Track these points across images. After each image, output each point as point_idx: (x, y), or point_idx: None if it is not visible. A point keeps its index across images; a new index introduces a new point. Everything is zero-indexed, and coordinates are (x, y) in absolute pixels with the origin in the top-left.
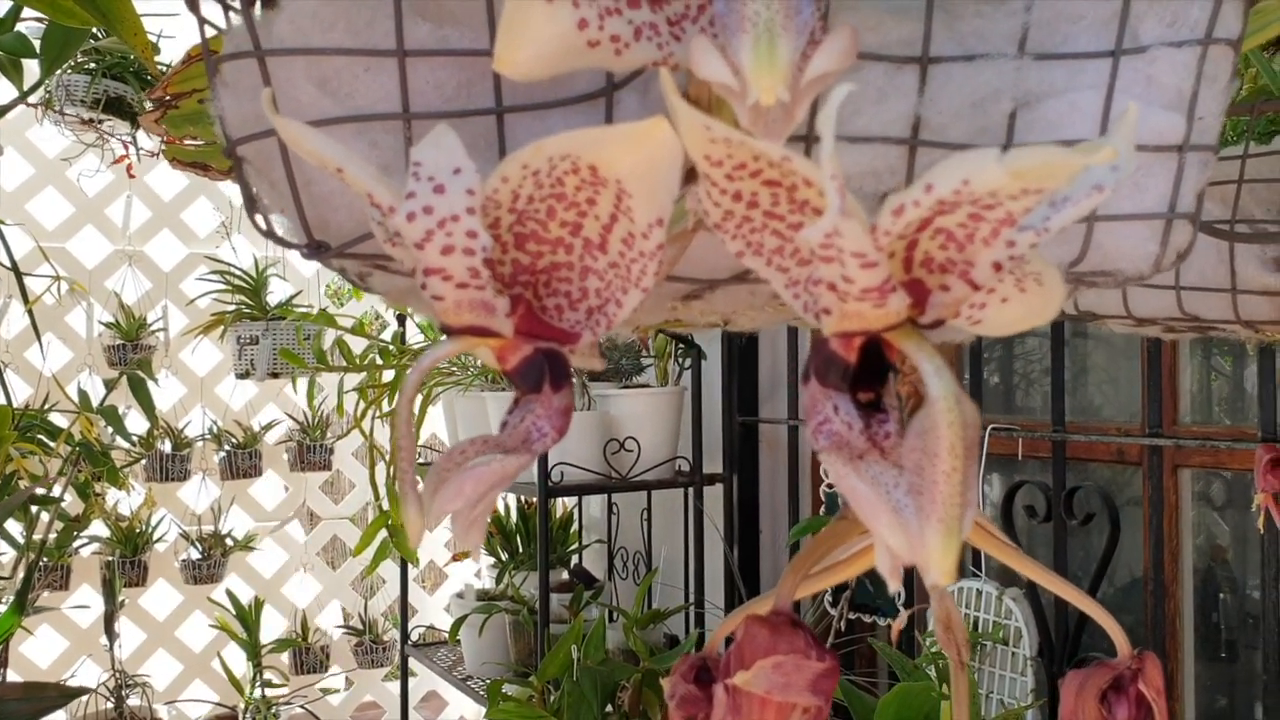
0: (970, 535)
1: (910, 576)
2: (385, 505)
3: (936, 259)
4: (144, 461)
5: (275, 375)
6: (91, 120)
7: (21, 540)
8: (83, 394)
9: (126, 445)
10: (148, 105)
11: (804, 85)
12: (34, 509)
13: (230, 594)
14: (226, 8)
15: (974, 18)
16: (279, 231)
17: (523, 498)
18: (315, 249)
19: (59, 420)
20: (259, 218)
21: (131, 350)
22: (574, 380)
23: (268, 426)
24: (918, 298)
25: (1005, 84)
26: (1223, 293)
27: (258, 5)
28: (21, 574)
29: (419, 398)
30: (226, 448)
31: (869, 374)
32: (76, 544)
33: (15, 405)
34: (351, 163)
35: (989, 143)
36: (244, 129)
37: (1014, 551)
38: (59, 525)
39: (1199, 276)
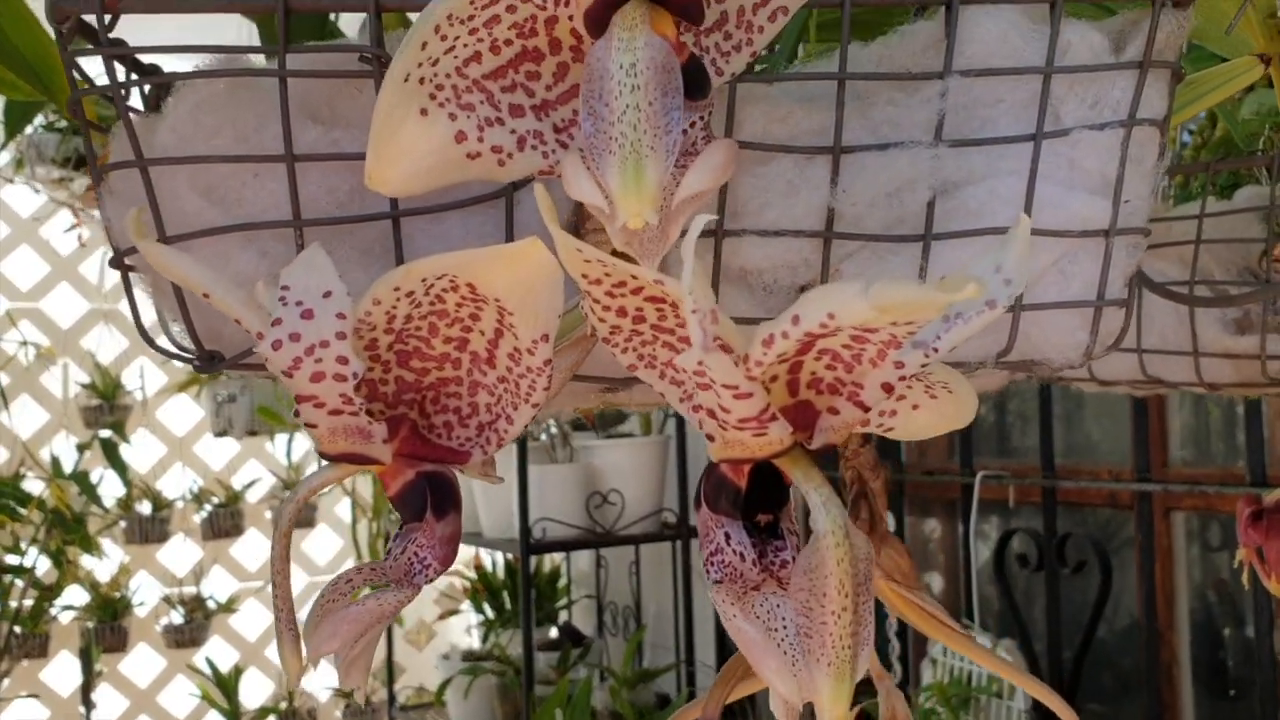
0: (922, 625)
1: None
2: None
3: (825, 379)
4: (122, 524)
5: (254, 433)
6: (62, 179)
7: None
8: (55, 460)
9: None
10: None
11: (676, 206)
12: (6, 578)
13: (209, 661)
14: (118, 112)
15: (887, 105)
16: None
17: (508, 554)
18: (207, 360)
19: (35, 485)
20: (177, 332)
21: (109, 411)
22: (461, 507)
23: (249, 485)
24: (805, 421)
25: (921, 172)
26: (1184, 356)
27: (149, 102)
28: None
29: None
30: (207, 507)
31: (767, 495)
32: (55, 610)
33: None
34: (218, 286)
35: (907, 232)
36: (124, 241)
37: (965, 639)
38: (33, 593)
39: (1160, 339)
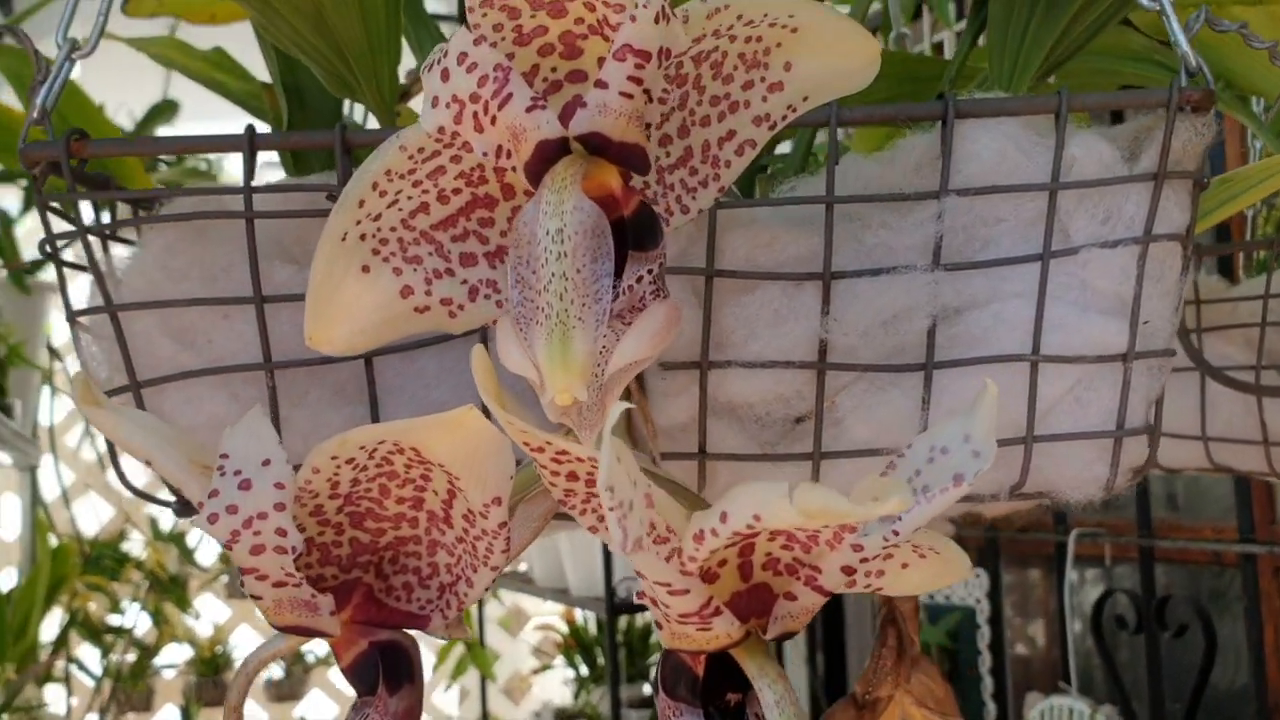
0: None
1: None
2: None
3: (781, 560)
4: (224, 579)
5: None
6: None
7: (100, 669)
8: (153, 521)
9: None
10: None
11: (612, 376)
12: (108, 637)
13: (308, 716)
14: (87, 257)
15: (880, 229)
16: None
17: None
18: (183, 506)
19: (137, 544)
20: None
21: None
22: (421, 678)
23: None
24: (760, 607)
25: (919, 299)
26: (1254, 445)
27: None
28: (100, 703)
29: None
30: None
31: (731, 676)
32: (157, 666)
33: (89, 533)
34: (158, 452)
35: (906, 362)
36: (112, 379)
37: None
38: (134, 650)
39: (1226, 426)
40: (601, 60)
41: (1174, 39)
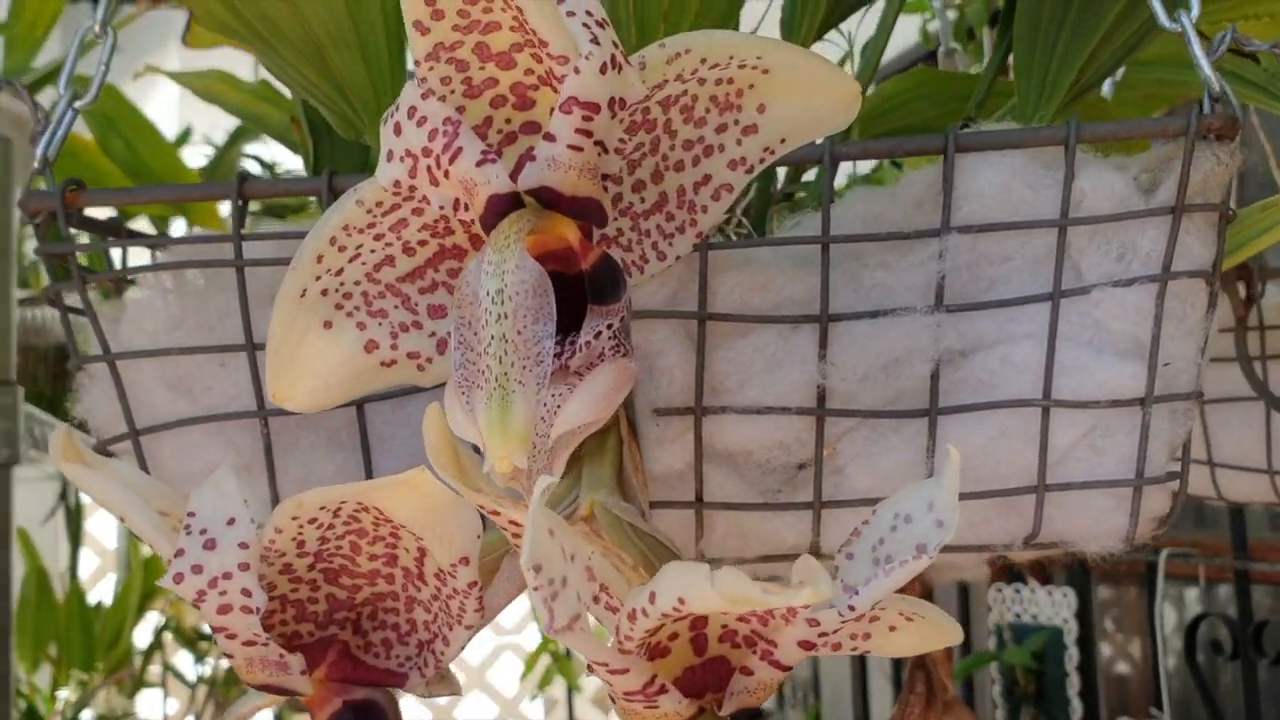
0: None
1: None
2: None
3: (739, 632)
4: None
5: None
6: None
7: (195, 675)
8: None
9: None
10: None
11: (558, 440)
12: (203, 644)
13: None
14: (83, 305)
15: (878, 269)
16: None
17: None
18: None
19: None
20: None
21: None
22: None
23: None
24: (716, 681)
25: (920, 342)
26: None
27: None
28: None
29: None
30: None
31: None
32: None
33: None
34: (134, 511)
35: (909, 406)
36: (111, 427)
37: None
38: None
39: None
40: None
41: (1196, 62)
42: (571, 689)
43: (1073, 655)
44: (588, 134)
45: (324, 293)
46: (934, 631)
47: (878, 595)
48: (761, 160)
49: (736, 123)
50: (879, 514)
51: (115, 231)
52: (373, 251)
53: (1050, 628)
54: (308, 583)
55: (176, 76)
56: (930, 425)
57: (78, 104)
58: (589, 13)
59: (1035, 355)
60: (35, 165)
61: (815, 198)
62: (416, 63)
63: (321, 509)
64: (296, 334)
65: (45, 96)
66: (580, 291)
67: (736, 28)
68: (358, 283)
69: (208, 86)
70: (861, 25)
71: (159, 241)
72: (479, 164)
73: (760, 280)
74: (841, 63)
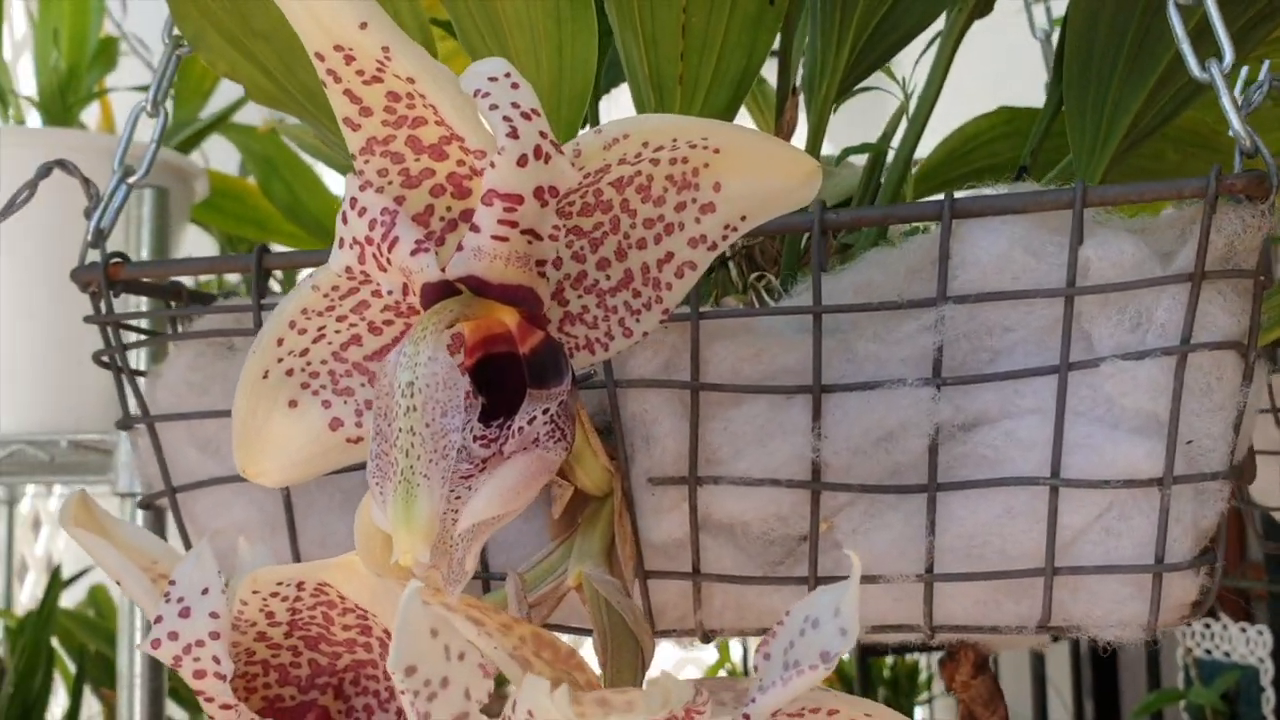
0: None
1: None
2: None
3: None
4: None
5: None
6: None
7: None
8: None
9: None
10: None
11: (463, 535)
12: None
13: None
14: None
15: (871, 341)
16: None
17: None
18: None
19: None
20: None
21: None
22: None
23: None
24: None
25: (911, 415)
26: None
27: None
28: None
29: None
30: None
31: None
32: None
33: None
34: (128, 576)
35: (906, 482)
36: (156, 484)
37: None
38: None
39: None
40: None
41: (1226, 114)
42: None
43: (1269, 698)
44: (512, 224)
45: (289, 373)
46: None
47: (776, 702)
48: (724, 237)
49: (694, 201)
50: (793, 615)
51: (178, 295)
52: (337, 332)
53: (1244, 666)
54: (288, 648)
55: (286, 130)
56: (930, 502)
57: (130, 180)
58: (515, 104)
59: (1043, 431)
60: (89, 238)
61: (864, 245)
62: (353, 156)
63: (280, 584)
64: (261, 414)
65: (211, 144)
66: (518, 375)
67: (750, 86)
68: (324, 361)
69: (299, 137)
70: (916, 70)
71: (185, 312)
72: (413, 253)
73: (753, 349)
74: (898, 115)
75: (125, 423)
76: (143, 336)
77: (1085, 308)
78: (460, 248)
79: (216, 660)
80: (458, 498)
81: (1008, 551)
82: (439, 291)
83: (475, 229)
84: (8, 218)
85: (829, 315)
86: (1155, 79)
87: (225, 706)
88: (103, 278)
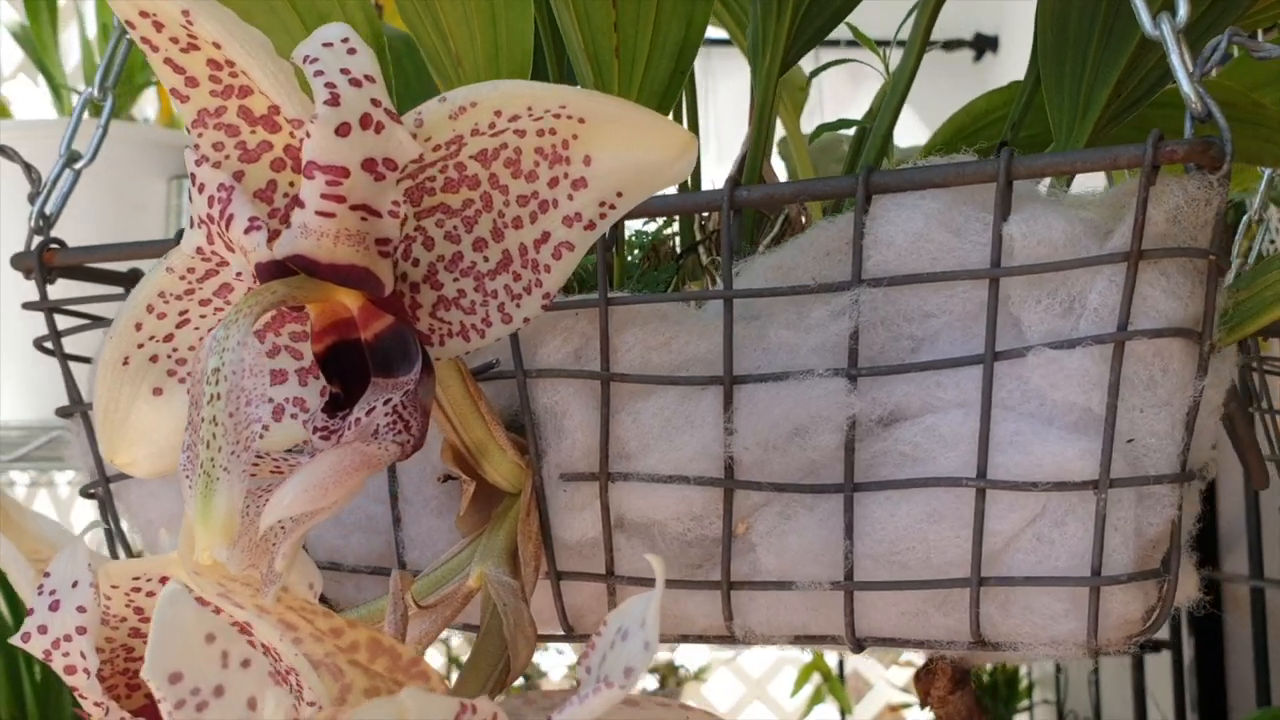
0: None
1: None
2: None
3: None
4: None
5: None
6: None
7: None
8: None
9: None
10: None
11: (264, 537)
12: None
13: None
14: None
15: (782, 328)
16: None
17: None
18: None
19: None
20: None
21: None
22: None
23: None
24: None
25: (822, 408)
26: None
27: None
28: None
29: None
30: None
31: None
32: None
33: None
34: (13, 566)
35: (822, 480)
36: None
37: None
38: None
39: None
40: None
41: (1176, 75)
42: (844, 712)
43: None
44: (338, 199)
45: (153, 359)
46: None
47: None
48: (602, 215)
49: (566, 176)
50: (609, 624)
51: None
52: (203, 317)
53: None
54: None
55: None
56: (846, 503)
57: (76, 165)
58: (344, 70)
59: (967, 427)
60: (32, 224)
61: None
62: (187, 129)
63: (137, 578)
64: (125, 401)
65: None
66: (360, 363)
67: (692, 59)
68: (191, 348)
69: None
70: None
71: (122, 297)
72: (246, 231)
73: (663, 337)
74: (883, 91)
75: (65, 410)
76: (84, 321)
77: (1013, 291)
78: (286, 226)
79: (84, 656)
80: (266, 492)
81: (931, 560)
82: (271, 272)
83: (300, 204)
84: None
85: (746, 300)
86: (1135, 44)
87: (97, 704)
88: (37, 263)
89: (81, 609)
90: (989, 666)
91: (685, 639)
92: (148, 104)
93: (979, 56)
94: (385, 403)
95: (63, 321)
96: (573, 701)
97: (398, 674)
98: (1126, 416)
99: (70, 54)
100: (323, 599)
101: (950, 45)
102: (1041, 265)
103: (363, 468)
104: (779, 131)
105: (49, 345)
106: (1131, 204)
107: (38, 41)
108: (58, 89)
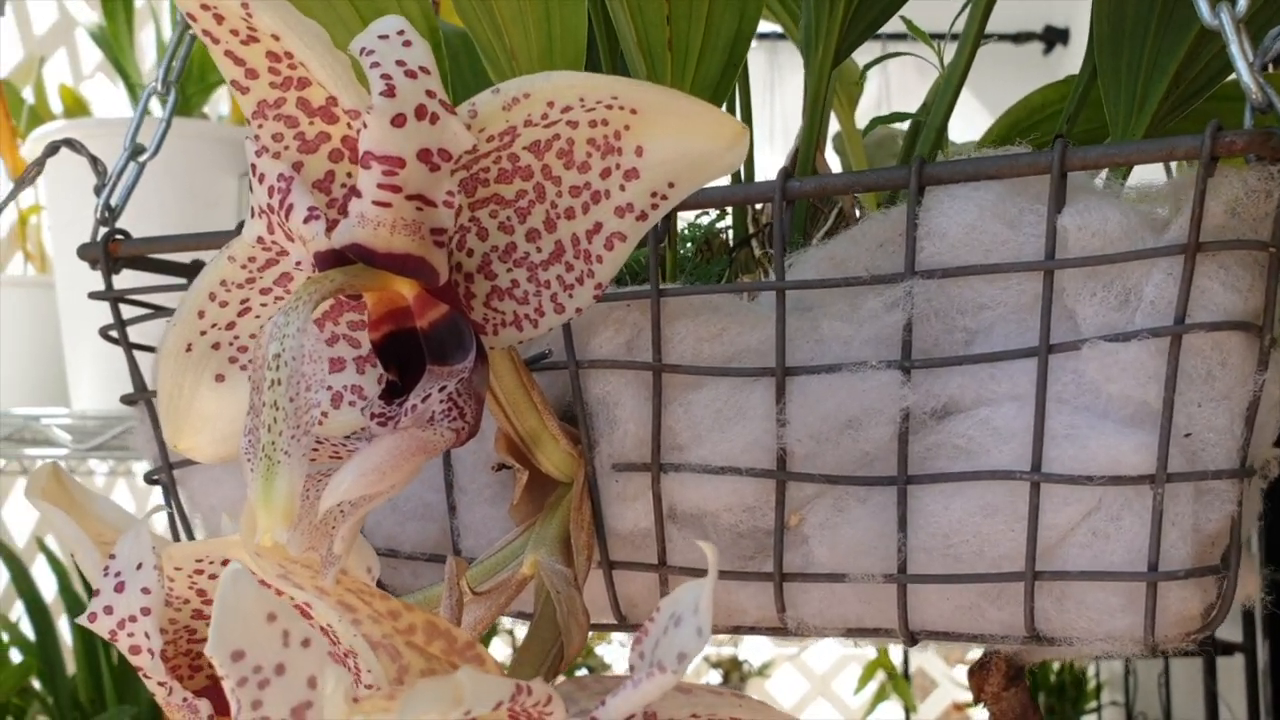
0: None
1: None
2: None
3: None
4: None
5: None
6: None
7: None
8: None
9: None
10: None
11: (327, 518)
12: None
13: None
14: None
15: (835, 319)
16: None
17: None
18: None
19: None
20: None
21: None
22: None
23: None
24: None
25: (876, 401)
26: None
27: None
28: None
29: None
30: None
31: None
32: None
33: None
34: (80, 547)
35: (878, 473)
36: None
37: None
38: None
39: None
40: None
41: (1235, 66)
42: (909, 710)
43: None
44: (394, 189)
45: (215, 346)
46: None
47: (628, 707)
48: (653, 206)
49: (618, 167)
50: (662, 610)
51: (196, 272)
52: (264, 305)
53: None
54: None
55: None
56: (900, 495)
57: (141, 158)
58: (400, 62)
59: (1021, 420)
60: (97, 215)
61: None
62: (247, 121)
63: (200, 560)
64: (188, 388)
65: None
66: (415, 351)
67: (745, 52)
68: (253, 335)
69: None
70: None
71: (185, 287)
72: (305, 220)
73: (715, 328)
74: (939, 84)
75: (130, 398)
76: (148, 311)
77: (1068, 284)
78: (344, 215)
79: (148, 636)
80: (326, 476)
81: (985, 553)
82: (329, 261)
83: (357, 194)
84: (18, 195)
85: (798, 292)
86: (1193, 35)
87: (161, 684)
88: (103, 254)
89: (146, 590)
90: (1056, 666)
91: (738, 630)
92: (220, 101)
93: (1049, 49)
94: (440, 390)
95: (128, 311)
96: (626, 686)
97: (454, 656)
98: (1184, 410)
99: (147, 54)
100: (379, 584)
101: (1020, 38)
102: (1097, 258)
103: (419, 453)
104: (834, 126)
105: (114, 334)
106: (1189, 196)
107: (115, 42)
108: (134, 88)
